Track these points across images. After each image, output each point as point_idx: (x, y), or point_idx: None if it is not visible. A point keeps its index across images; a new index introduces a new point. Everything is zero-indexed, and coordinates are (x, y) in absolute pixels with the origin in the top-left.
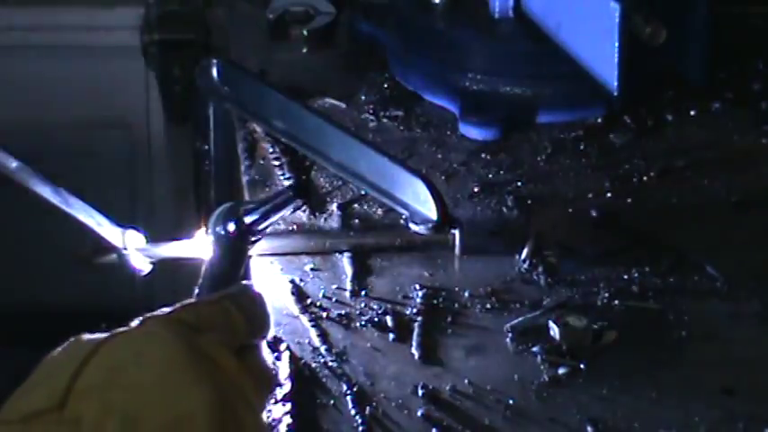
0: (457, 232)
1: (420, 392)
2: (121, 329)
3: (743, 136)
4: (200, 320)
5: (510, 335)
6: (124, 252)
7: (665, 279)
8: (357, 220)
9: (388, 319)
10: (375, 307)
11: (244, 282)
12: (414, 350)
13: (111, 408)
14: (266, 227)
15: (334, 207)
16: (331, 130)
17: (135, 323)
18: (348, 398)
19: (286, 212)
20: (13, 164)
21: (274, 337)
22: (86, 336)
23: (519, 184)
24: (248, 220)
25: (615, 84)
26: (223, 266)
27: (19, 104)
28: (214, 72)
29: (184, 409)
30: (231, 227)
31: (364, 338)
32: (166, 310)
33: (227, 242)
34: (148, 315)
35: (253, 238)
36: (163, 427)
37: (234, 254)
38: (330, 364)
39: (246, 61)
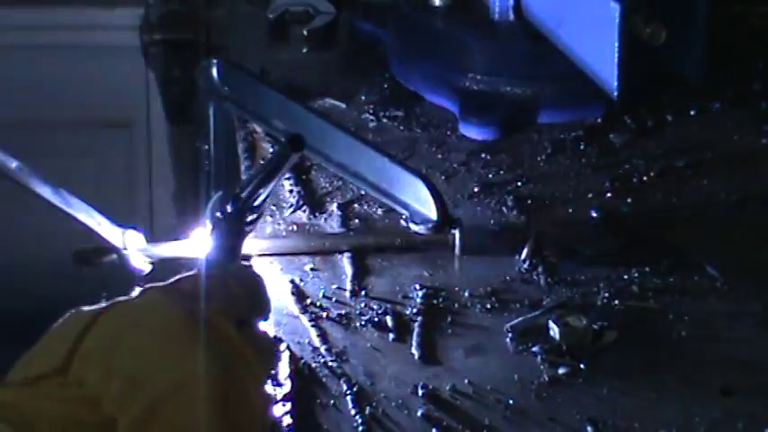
0: (457, 232)
1: (420, 392)
2: (121, 298)
3: (743, 136)
4: (199, 291)
5: (510, 335)
6: (124, 252)
7: (665, 279)
8: (357, 220)
9: (388, 319)
10: (375, 307)
11: (244, 263)
12: (414, 350)
13: (113, 370)
14: (266, 197)
15: (334, 207)
16: (331, 131)
17: (134, 293)
18: (348, 398)
19: (285, 170)
20: (13, 164)
21: (274, 337)
22: (85, 307)
23: (519, 184)
24: (245, 194)
25: (615, 84)
26: (222, 249)
27: (19, 104)
28: (214, 72)
29: (187, 371)
30: (229, 207)
31: (364, 338)
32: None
33: (226, 224)
34: (148, 285)
35: (251, 217)
36: (166, 388)
37: (233, 236)
38: (330, 364)
39: (246, 61)
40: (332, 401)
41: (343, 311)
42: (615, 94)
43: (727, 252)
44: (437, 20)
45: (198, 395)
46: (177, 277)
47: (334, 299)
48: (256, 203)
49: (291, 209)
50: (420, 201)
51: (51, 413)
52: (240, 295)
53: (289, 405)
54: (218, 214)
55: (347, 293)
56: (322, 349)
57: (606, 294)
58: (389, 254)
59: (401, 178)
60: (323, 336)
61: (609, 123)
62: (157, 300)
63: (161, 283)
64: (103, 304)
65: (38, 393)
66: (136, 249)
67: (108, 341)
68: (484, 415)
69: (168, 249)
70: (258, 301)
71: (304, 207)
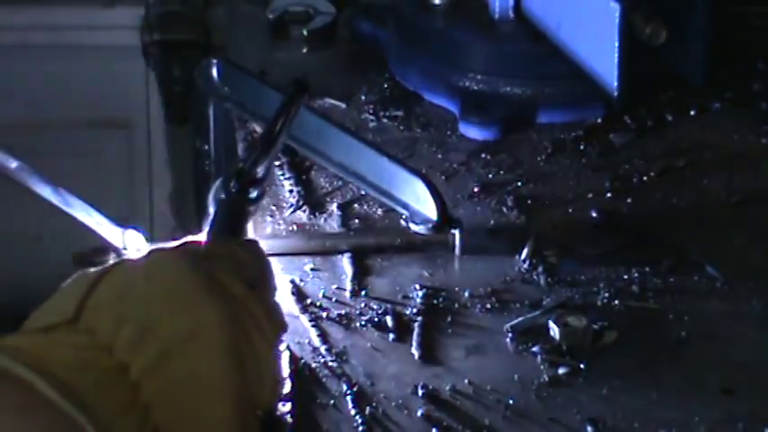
0: (457, 232)
1: (420, 392)
2: (127, 258)
3: (743, 136)
4: (207, 251)
5: (510, 335)
6: (124, 252)
7: (665, 279)
8: (357, 220)
9: (388, 319)
10: (375, 307)
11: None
12: (414, 350)
13: (124, 318)
14: (269, 166)
15: (334, 207)
16: (331, 131)
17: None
18: (348, 398)
19: (291, 121)
20: (13, 164)
21: None
22: (92, 268)
23: (519, 184)
24: (252, 159)
25: (615, 84)
26: (225, 230)
27: (19, 104)
28: (214, 72)
29: (197, 320)
30: (233, 185)
31: (364, 338)
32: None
33: (228, 203)
34: (154, 247)
35: (254, 193)
36: (176, 337)
37: (236, 216)
38: (330, 364)
39: (246, 61)
40: (332, 401)
41: (343, 311)
42: (615, 94)
43: (727, 252)
44: (437, 20)
45: (209, 345)
46: (183, 240)
47: (334, 299)
48: (260, 174)
49: (291, 209)
50: (420, 201)
51: (64, 358)
52: (248, 261)
53: (289, 405)
54: (222, 195)
55: (347, 293)
56: (322, 349)
57: (606, 294)
58: (389, 254)
59: (401, 178)
60: (323, 336)
61: (609, 123)
62: (165, 256)
63: (167, 245)
64: (111, 263)
65: (50, 340)
66: (136, 249)
67: (118, 293)
68: (484, 415)
69: None
70: (266, 270)
71: (304, 207)
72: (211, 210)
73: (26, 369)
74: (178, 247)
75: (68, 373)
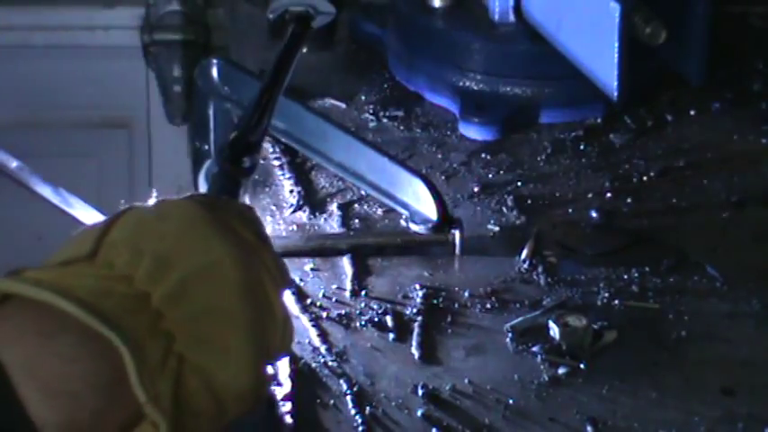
0: (457, 232)
1: (420, 392)
2: (137, 204)
3: (743, 136)
4: (215, 200)
5: (510, 335)
6: None
7: (665, 279)
8: (357, 220)
9: (388, 319)
10: (375, 307)
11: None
12: (414, 350)
13: (141, 252)
14: (265, 128)
15: (334, 207)
16: (331, 130)
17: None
18: (348, 398)
19: (295, 59)
20: (14, 164)
21: None
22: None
23: (519, 184)
24: (253, 107)
25: (615, 84)
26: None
27: (19, 104)
28: (214, 72)
29: (211, 257)
30: (227, 154)
31: (364, 338)
32: None
33: (221, 174)
34: (161, 199)
35: (249, 162)
36: (192, 271)
37: (229, 187)
38: (330, 364)
39: (246, 61)
40: (332, 401)
41: (343, 311)
42: (615, 94)
43: (727, 252)
44: (437, 20)
45: (224, 279)
46: (189, 194)
47: (334, 299)
48: (255, 137)
49: (291, 209)
50: (420, 201)
51: (86, 285)
52: (252, 218)
53: (289, 405)
54: (215, 170)
55: (347, 293)
56: (322, 349)
57: (606, 294)
58: (389, 254)
59: (401, 178)
60: (323, 336)
61: (609, 123)
62: (176, 201)
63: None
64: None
65: (70, 271)
66: None
67: (133, 231)
68: (484, 415)
69: None
70: (265, 231)
71: (304, 207)
72: (203, 187)
73: (50, 293)
74: (185, 197)
75: (92, 298)
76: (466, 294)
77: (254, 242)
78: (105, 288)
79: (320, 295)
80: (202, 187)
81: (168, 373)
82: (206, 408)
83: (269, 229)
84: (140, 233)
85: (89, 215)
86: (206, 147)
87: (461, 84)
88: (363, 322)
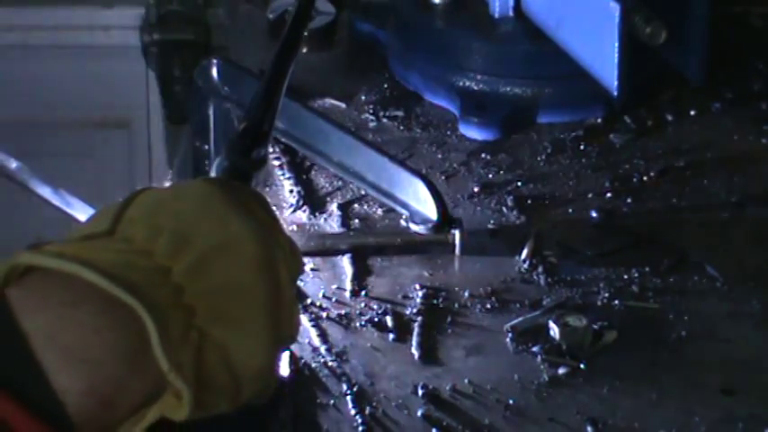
0: (457, 232)
1: (420, 392)
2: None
3: (743, 136)
4: (230, 183)
5: (510, 335)
6: None
7: (665, 279)
8: (357, 220)
9: (388, 319)
10: (375, 307)
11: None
12: (414, 350)
13: (159, 228)
14: (275, 113)
15: (334, 207)
16: (331, 130)
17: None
18: (348, 398)
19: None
20: (13, 164)
21: None
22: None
23: (519, 184)
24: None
25: (615, 84)
26: None
27: (19, 104)
28: (214, 72)
29: (229, 233)
30: (238, 145)
31: (364, 338)
32: None
33: (232, 167)
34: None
35: (261, 153)
36: (211, 246)
37: (241, 180)
38: (330, 364)
39: (246, 61)
40: (332, 401)
41: (343, 311)
42: (615, 94)
43: (727, 252)
44: (437, 20)
45: (243, 255)
46: (202, 177)
47: (334, 299)
48: (266, 126)
49: (291, 209)
50: (420, 201)
51: (107, 258)
52: (265, 200)
53: (288, 405)
54: (226, 163)
55: (347, 293)
56: (322, 349)
57: (606, 294)
58: (389, 254)
59: (401, 178)
60: (323, 336)
61: (609, 123)
62: (191, 181)
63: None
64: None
65: (90, 245)
66: None
67: (151, 209)
68: (484, 415)
69: None
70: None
71: (304, 207)
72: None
73: (72, 264)
74: (200, 179)
75: (115, 269)
76: (466, 294)
77: (269, 221)
78: (127, 261)
79: (320, 295)
80: None
81: (190, 345)
82: (224, 384)
83: None
84: (158, 211)
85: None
86: (206, 147)
87: (461, 84)
88: (363, 322)
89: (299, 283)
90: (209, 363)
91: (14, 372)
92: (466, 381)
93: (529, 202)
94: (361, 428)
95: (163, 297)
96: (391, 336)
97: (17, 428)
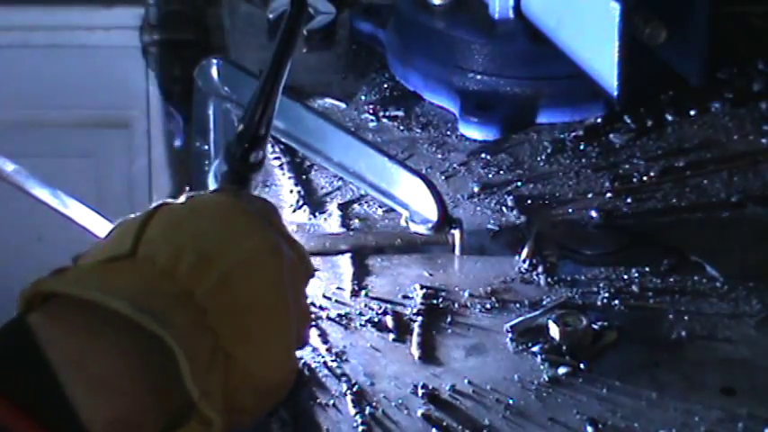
0: (457, 232)
1: (420, 392)
2: (168, 200)
3: (743, 136)
4: (240, 195)
5: (510, 335)
6: None
7: (665, 279)
8: (357, 220)
9: (388, 319)
10: (375, 307)
11: None
12: (413, 350)
13: (181, 248)
14: (271, 117)
15: (334, 207)
16: (331, 130)
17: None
18: (348, 398)
19: (296, 43)
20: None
21: None
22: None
23: (519, 184)
24: (257, 95)
25: (615, 84)
26: None
27: (19, 104)
28: (214, 72)
29: (250, 249)
30: (235, 149)
31: (364, 338)
32: None
33: (231, 172)
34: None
35: (256, 156)
36: (233, 264)
37: (240, 184)
38: (330, 364)
39: (246, 61)
40: (332, 401)
41: (343, 311)
42: (615, 93)
43: (727, 252)
44: (437, 20)
45: (265, 271)
46: (214, 189)
47: (334, 299)
48: (262, 129)
49: (291, 209)
50: (420, 201)
51: (129, 283)
52: (274, 209)
53: (289, 405)
54: (224, 168)
55: (347, 293)
56: (322, 349)
57: (606, 294)
58: (389, 254)
59: (401, 178)
60: (323, 336)
61: (609, 123)
62: (205, 196)
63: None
64: (153, 207)
65: (111, 269)
66: None
67: (170, 228)
68: (484, 415)
69: None
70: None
71: (304, 207)
72: (211, 188)
73: (97, 292)
74: (213, 191)
75: (140, 296)
76: (466, 294)
77: (282, 232)
78: (150, 286)
79: (320, 295)
80: (211, 187)
81: (217, 369)
82: (248, 403)
83: None
84: (178, 229)
85: (88, 215)
86: (206, 147)
87: (461, 84)
88: (363, 322)
89: None
90: (233, 383)
91: (42, 404)
92: (466, 381)
93: (529, 202)
94: (360, 428)
95: (187, 322)
96: (391, 336)
97: None
